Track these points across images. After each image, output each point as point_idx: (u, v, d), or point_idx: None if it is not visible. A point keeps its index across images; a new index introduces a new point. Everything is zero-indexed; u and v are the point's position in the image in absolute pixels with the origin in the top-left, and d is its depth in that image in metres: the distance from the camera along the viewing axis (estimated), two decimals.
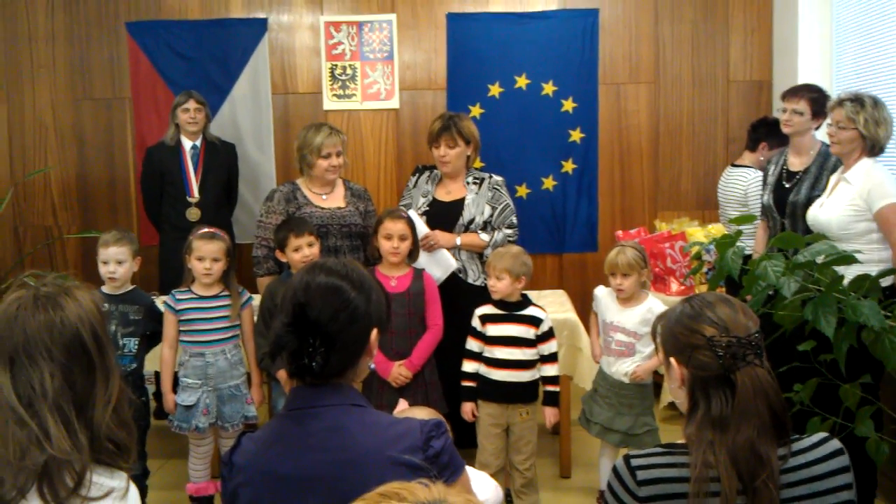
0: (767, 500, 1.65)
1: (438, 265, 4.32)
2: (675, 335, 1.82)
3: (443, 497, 0.93)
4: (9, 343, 1.64)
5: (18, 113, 6.30)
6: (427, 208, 4.52)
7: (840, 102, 3.78)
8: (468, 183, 4.54)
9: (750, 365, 1.72)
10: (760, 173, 4.98)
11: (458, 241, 4.41)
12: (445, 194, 4.55)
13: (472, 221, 4.44)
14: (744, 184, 5.01)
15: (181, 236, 4.94)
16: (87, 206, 6.33)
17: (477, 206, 4.46)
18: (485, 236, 4.43)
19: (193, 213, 5.35)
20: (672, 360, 1.82)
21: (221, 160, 5.54)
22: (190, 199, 5.39)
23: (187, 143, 5.41)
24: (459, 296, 4.23)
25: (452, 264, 4.38)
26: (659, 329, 1.89)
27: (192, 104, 5.35)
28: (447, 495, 0.94)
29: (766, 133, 5.10)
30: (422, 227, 4.31)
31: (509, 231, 4.46)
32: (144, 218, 5.85)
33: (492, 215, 4.46)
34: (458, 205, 4.48)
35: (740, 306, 1.81)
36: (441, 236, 4.37)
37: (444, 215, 4.47)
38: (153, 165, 5.48)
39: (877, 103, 3.74)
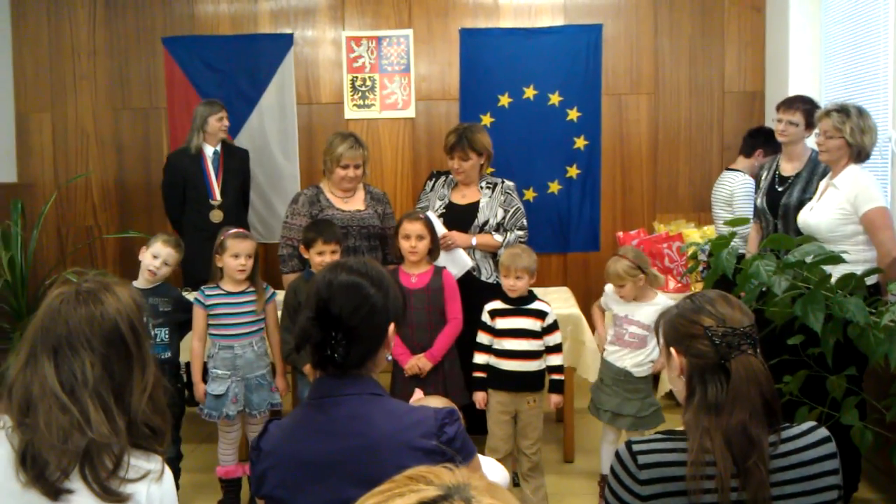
0: (758, 480, 1.66)
1: (455, 264, 4.33)
2: (675, 326, 1.84)
3: (467, 481, 0.93)
4: (53, 335, 1.66)
5: (62, 121, 6.34)
6: (443, 211, 4.52)
7: (827, 113, 3.76)
8: (482, 187, 4.54)
9: (744, 354, 1.74)
10: (749, 177, 4.97)
11: (474, 241, 4.41)
12: (461, 198, 4.56)
13: (486, 223, 4.44)
14: (730, 186, 5.01)
15: (204, 237, 4.99)
16: (125, 208, 6.37)
17: (490, 208, 4.46)
18: (498, 237, 4.43)
19: (216, 215, 5.29)
20: (672, 349, 1.83)
21: (238, 164, 5.50)
22: (213, 202, 5.33)
23: (208, 149, 5.35)
24: (473, 292, 4.22)
25: (468, 263, 4.38)
26: (661, 323, 1.91)
27: (224, 113, 5.33)
28: (471, 479, 0.94)
29: (764, 141, 5.08)
30: (440, 228, 4.32)
31: (520, 232, 4.46)
32: None
33: (504, 217, 4.46)
34: (473, 208, 4.49)
35: (738, 304, 1.83)
36: (458, 237, 4.38)
37: (460, 217, 4.47)
38: (175, 172, 5.41)
39: (861, 113, 3.72)
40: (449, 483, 0.92)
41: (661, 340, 1.90)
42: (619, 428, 3.97)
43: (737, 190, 4.95)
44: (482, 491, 0.92)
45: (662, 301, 3.94)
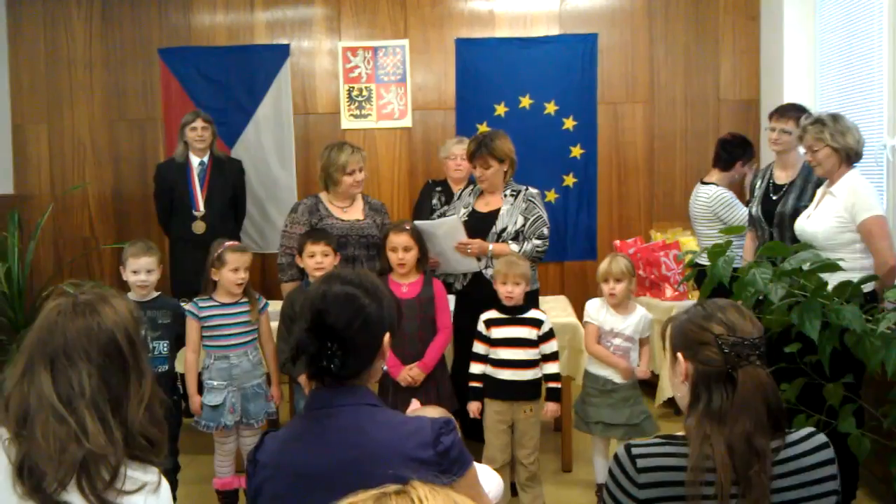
0: (759, 490, 1.66)
1: (463, 264, 4.30)
2: (685, 332, 1.84)
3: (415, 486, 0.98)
4: (50, 346, 1.66)
5: (58, 133, 6.35)
6: (465, 219, 4.44)
7: (804, 129, 3.80)
8: (505, 195, 4.44)
9: (752, 364, 1.74)
10: (723, 190, 4.93)
11: (491, 247, 4.33)
12: (484, 205, 4.46)
13: (504, 230, 4.34)
14: (706, 202, 4.96)
15: (187, 247, 5.02)
16: (122, 219, 6.37)
17: (510, 216, 4.35)
18: (514, 246, 4.29)
19: (199, 226, 5.33)
20: (679, 355, 1.83)
21: (227, 176, 5.51)
22: (195, 213, 5.36)
23: (195, 160, 5.39)
24: (490, 301, 4.11)
25: (473, 266, 4.35)
26: (669, 328, 1.91)
27: (199, 123, 5.33)
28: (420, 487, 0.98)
29: (741, 152, 5.07)
30: (462, 235, 4.26)
31: (538, 242, 4.29)
32: None
33: (524, 225, 4.36)
34: (493, 215, 4.41)
35: (749, 315, 1.83)
36: (478, 246, 4.31)
37: (479, 225, 4.38)
38: (162, 182, 5.48)
39: (835, 117, 3.75)
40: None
41: (668, 344, 1.90)
42: (613, 437, 3.96)
43: (715, 204, 4.91)
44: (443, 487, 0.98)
45: (642, 311, 4.02)
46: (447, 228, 4.22)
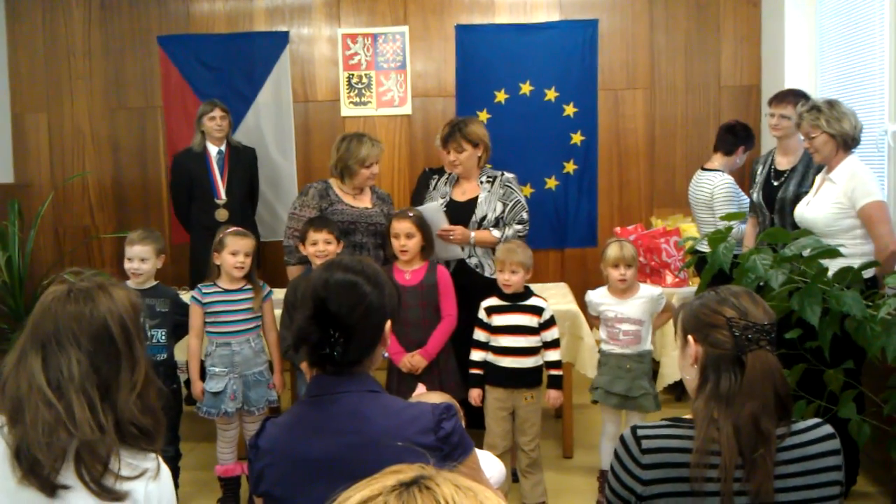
0: (764, 473, 1.67)
1: (447, 252, 4.30)
2: (696, 315, 1.85)
3: (438, 472, 0.95)
4: (42, 331, 1.66)
5: (58, 122, 6.33)
6: (444, 209, 4.46)
7: (800, 116, 3.79)
8: (482, 182, 4.45)
9: (762, 349, 1.75)
10: (727, 176, 4.93)
11: (473, 236, 4.34)
12: (461, 194, 4.47)
13: (484, 218, 4.36)
14: (710, 188, 4.93)
15: (210, 235, 5.00)
16: (122, 208, 6.36)
17: (489, 203, 4.37)
18: (496, 233, 4.33)
19: (222, 214, 5.35)
20: (690, 337, 1.84)
21: (244, 163, 5.55)
22: (218, 201, 5.38)
23: (213, 149, 5.41)
24: (476, 289, 4.16)
25: (458, 254, 4.36)
26: (681, 312, 1.92)
27: (217, 112, 5.35)
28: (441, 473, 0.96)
29: (745, 137, 5.07)
30: (444, 222, 4.27)
31: (519, 227, 4.35)
32: (175, 218, 5.84)
33: (503, 211, 4.37)
34: (472, 203, 4.41)
35: (761, 302, 1.84)
36: (461, 233, 4.32)
37: (459, 214, 4.40)
38: (181, 171, 5.48)
39: (831, 103, 3.74)
40: (425, 471, 0.95)
41: (679, 328, 1.91)
42: (609, 405, 3.97)
43: (717, 191, 4.88)
44: (460, 475, 0.95)
45: (646, 290, 3.99)
46: (429, 215, 4.20)
